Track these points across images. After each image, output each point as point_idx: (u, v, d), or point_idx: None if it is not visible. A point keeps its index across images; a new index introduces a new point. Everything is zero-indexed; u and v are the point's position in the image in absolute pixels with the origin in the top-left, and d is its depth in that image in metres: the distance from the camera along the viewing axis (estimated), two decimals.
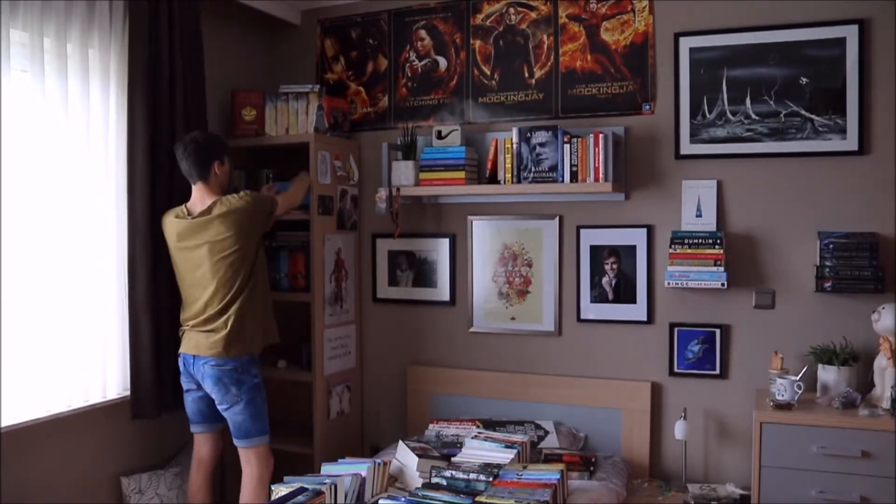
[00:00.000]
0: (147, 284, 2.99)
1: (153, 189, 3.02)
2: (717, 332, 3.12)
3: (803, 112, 2.98)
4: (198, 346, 2.89)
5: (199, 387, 2.95)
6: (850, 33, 2.89)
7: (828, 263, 2.85)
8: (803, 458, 2.60)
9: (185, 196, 3.06)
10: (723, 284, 2.98)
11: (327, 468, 2.85)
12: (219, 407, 2.92)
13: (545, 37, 3.38)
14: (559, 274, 3.38)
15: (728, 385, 3.12)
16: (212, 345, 2.86)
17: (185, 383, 2.99)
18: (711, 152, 3.11)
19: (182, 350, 2.96)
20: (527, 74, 3.42)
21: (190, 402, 3.01)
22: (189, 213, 2.91)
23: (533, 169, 3.18)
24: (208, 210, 2.87)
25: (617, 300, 3.28)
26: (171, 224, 2.93)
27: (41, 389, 2.75)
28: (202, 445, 3.06)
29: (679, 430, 3.05)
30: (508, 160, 3.24)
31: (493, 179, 3.33)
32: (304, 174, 3.36)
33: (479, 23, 3.51)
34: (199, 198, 2.93)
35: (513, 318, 3.48)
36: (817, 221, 2.97)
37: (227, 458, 3.64)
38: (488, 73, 3.49)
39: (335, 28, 3.82)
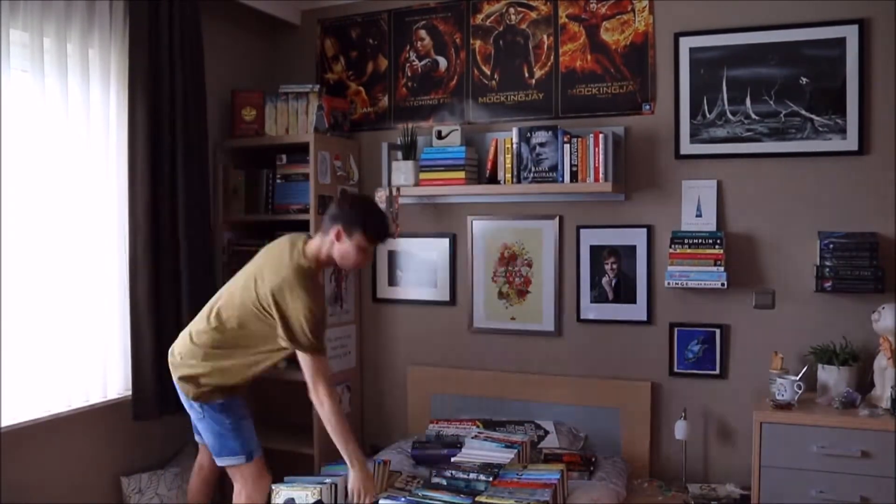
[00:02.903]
0: (148, 284, 2.99)
1: (154, 189, 3.02)
2: (717, 332, 3.12)
3: (803, 112, 2.98)
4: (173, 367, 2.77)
5: None
6: (850, 33, 2.89)
7: (828, 263, 2.85)
8: (803, 458, 2.60)
9: (186, 196, 3.06)
10: (723, 284, 2.98)
11: (327, 468, 2.85)
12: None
13: (545, 37, 3.38)
14: (559, 274, 3.38)
15: (728, 385, 3.12)
16: (176, 370, 2.73)
17: None
18: (711, 152, 3.11)
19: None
20: (527, 74, 3.42)
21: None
22: (303, 255, 2.64)
23: (533, 169, 3.18)
24: (287, 263, 2.58)
25: (617, 300, 3.28)
26: (277, 246, 2.75)
27: (41, 389, 2.75)
28: (203, 451, 2.99)
29: (679, 430, 3.05)
30: (508, 160, 3.24)
31: (493, 179, 3.33)
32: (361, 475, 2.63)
33: (479, 23, 3.51)
34: (306, 245, 2.67)
35: (513, 318, 3.48)
36: (817, 221, 2.97)
37: None
38: (488, 73, 3.49)
39: (335, 28, 3.82)
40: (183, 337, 2.76)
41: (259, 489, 2.71)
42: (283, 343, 2.59)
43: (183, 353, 2.71)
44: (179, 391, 2.72)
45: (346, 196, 2.71)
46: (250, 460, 2.69)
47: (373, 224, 2.64)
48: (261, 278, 2.62)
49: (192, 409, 2.71)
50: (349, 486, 2.58)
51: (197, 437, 2.94)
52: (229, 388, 2.68)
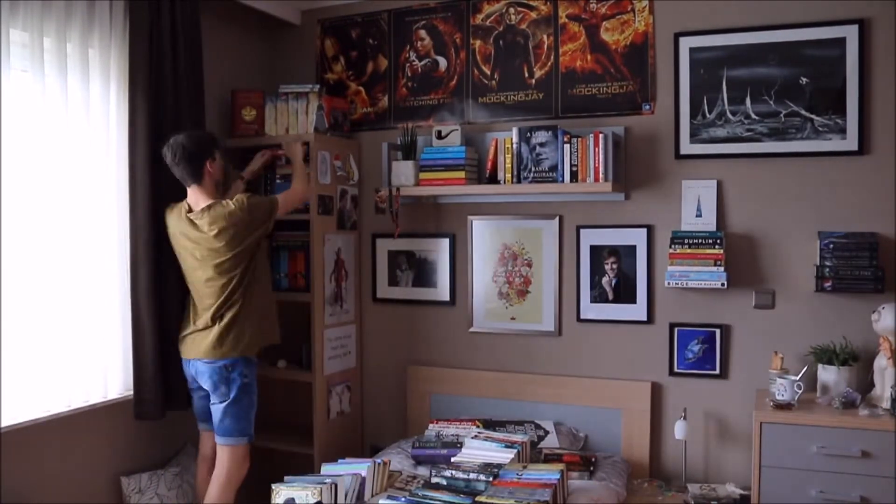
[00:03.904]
0: (149, 283, 2.99)
1: (154, 188, 3.02)
2: (717, 332, 3.12)
3: (803, 112, 2.98)
4: (193, 349, 2.94)
5: (201, 386, 2.97)
6: (850, 33, 2.89)
7: (828, 263, 2.85)
8: (803, 458, 2.60)
9: (186, 196, 3.06)
10: (723, 284, 2.98)
11: (327, 468, 2.85)
12: (211, 403, 2.95)
13: (545, 37, 3.38)
14: (559, 274, 3.38)
15: (728, 385, 3.12)
16: (204, 346, 2.90)
17: (191, 383, 3.03)
18: (711, 152, 3.11)
19: (182, 355, 3.01)
20: (527, 74, 3.42)
21: (195, 400, 3.07)
22: (190, 211, 2.92)
23: (533, 169, 3.18)
24: (201, 214, 2.86)
25: (617, 300, 3.28)
26: (174, 223, 2.94)
27: (41, 389, 2.75)
28: (206, 442, 3.09)
29: (679, 430, 3.05)
30: (508, 160, 3.24)
31: (493, 179, 3.33)
32: (296, 163, 3.24)
33: (479, 23, 3.51)
34: (195, 201, 2.92)
35: (513, 318, 3.48)
36: (817, 221, 2.97)
37: None
38: (488, 73, 3.49)
39: (335, 28, 3.82)
40: (203, 336, 2.93)
41: (242, 471, 2.99)
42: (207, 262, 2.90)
43: (221, 337, 2.90)
44: (214, 371, 2.89)
45: (178, 143, 2.85)
46: (250, 442, 3.00)
47: (213, 139, 3.00)
48: (211, 245, 2.86)
49: (218, 392, 2.89)
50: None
51: (202, 426, 3.07)
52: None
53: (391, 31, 3.69)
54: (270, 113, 3.56)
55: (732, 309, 3.10)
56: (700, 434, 3.15)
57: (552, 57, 3.37)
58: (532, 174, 3.19)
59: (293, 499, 2.60)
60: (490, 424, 3.26)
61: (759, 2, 3.02)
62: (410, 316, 3.70)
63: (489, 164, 3.34)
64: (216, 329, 2.88)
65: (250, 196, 2.95)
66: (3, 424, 2.57)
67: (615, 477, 2.94)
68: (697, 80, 3.11)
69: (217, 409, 2.92)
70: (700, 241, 3.02)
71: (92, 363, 2.94)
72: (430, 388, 3.60)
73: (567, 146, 3.11)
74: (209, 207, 2.86)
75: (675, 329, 3.18)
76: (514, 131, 3.22)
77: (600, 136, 3.06)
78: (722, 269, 2.98)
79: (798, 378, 2.72)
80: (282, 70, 3.92)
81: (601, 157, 3.06)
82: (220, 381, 2.90)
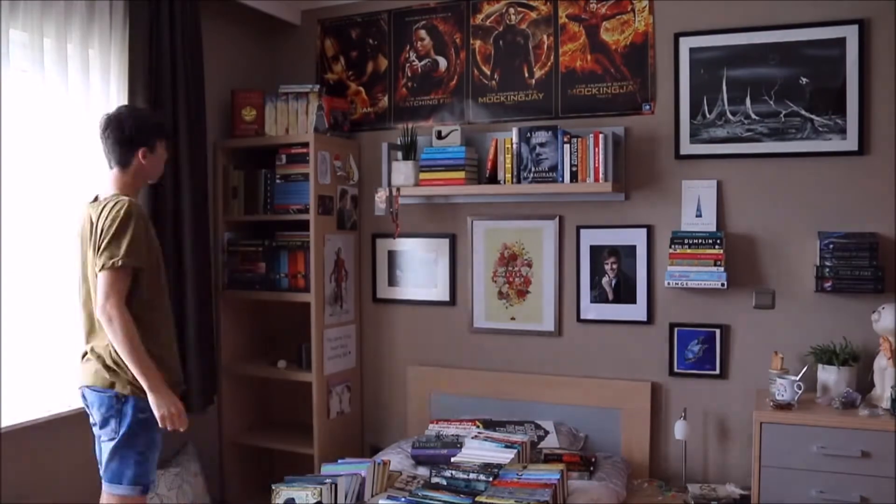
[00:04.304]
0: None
1: (154, 189, 3.02)
2: (717, 332, 3.12)
3: (803, 112, 2.98)
4: (82, 371, 2.43)
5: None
6: (850, 33, 2.89)
7: (828, 263, 2.85)
8: (803, 458, 2.60)
9: (186, 196, 3.06)
10: (723, 284, 2.98)
11: (327, 468, 2.85)
12: (99, 438, 2.41)
13: (545, 37, 3.38)
14: (559, 274, 3.38)
15: (728, 385, 3.12)
16: (91, 370, 2.39)
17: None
18: (711, 152, 3.11)
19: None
20: (527, 74, 3.42)
21: (97, 445, 2.46)
22: (95, 200, 2.45)
23: (533, 169, 3.18)
24: (101, 204, 2.37)
25: (617, 300, 3.28)
26: (82, 213, 2.45)
27: (41, 389, 2.75)
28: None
29: (679, 430, 3.05)
30: (508, 160, 3.24)
31: (493, 179, 3.33)
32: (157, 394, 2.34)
33: (479, 23, 3.51)
34: (106, 188, 2.45)
35: (513, 318, 3.48)
36: (817, 221, 2.97)
37: (225, 455, 3.65)
38: (488, 73, 3.49)
39: (335, 28, 3.82)
40: (89, 360, 2.41)
41: None
42: (95, 268, 2.30)
43: (101, 352, 2.36)
44: (99, 393, 2.35)
45: (117, 118, 2.41)
46: (144, 493, 2.39)
47: (166, 127, 2.59)
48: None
49: (107, 428, 2.35)
50: (156, 414, 2.31)
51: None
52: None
53: (391, 32, 3.69)
54: (270, 113, 3.56)
55: (732, 309, 3.10)
56: (700, 434, 3.15)
57: (552, 57, 3.37)
58: (532, 174, 3.19)
59: (293, 499, 2.60)
60: (490, 424, 3.26)
61: (759, 2, 3.02)
62: (410, 316, 3.70)
63: (489, 165, 3.34)
64: (100, 360, 2.36)
65: (130, 216, 2.30)
66: (3, 424, 2.57)
67: (615, 477, 2.94)
68: (697, 81, 3.11)
69: (105, 447, 2.36)
70: (700, 241, 3.02)
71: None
72: (430, 388, 3.60)
73: (567, 146, 3.11)
74: (109, 201, 2.35)
75: (675, 329, 3.18)
76: (514, 131, 3.22)
77: (600, 136, 3.06)
78: (722, 269, 2.98)
79: (798, 378, 2.72)
80: (282, 70, 3.92)
81: (601, 157, 3.06)
82: (111, 416, 2.34)
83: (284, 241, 3.58)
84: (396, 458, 3.15)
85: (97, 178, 2.94)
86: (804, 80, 2.97)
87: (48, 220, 2.77)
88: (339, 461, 2.92)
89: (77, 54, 2.85)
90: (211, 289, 3.39)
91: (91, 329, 2.41)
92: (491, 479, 2.61)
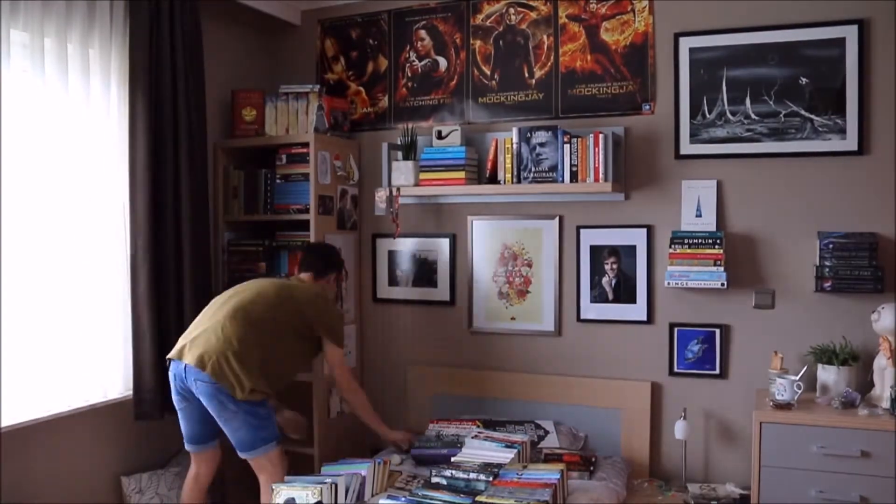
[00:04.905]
0: (148, 284, 2.99)
1: (154, 189, 3.03)
2: (717, 332, 3.12)
3: (803, 112, 2.98)
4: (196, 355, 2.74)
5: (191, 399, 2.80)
6: (850, 33, 2.90)
7: (827, 263, 2.85)
8: (803, 457, 2.60)
9: (186, 196, 3.06)
10: (723, 284, 2.98)
11: (327, 468, 2.85)
12: (218, 421, 2.76)
13: (545, 37, 3.38)
14: (559, 274, 3.38)
15: (728, 385, 3.12)
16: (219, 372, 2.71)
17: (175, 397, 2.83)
18: (711, 152, 3.11)
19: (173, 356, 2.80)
20: (527, 74, 3.42)
21: (185, 417, 2.85)
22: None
23: (533, 169, 3.18)
24: (303, 282, 3.10)
25: (617, 300, 3.28)
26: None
27: (41, 389, 2.75)
28: (200, 463, 2.93)
29: (679, 429, 3.05)
30: (508, 160, 3.24)
31: (493, 179, 3.33)
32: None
33: (479, 23, 3.51)
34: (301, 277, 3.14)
35: (513, 318, 3.48)
36: (817, 221, 2.97)
37: (225, 455, 3.65)
38: (488, 73, 3.49)
39: (335, 28, 3.82)
40: (218, 338, 2.73)
41: (283, 470, 2.84)
42: (326, 345, 3.04)
43: (227, 352, 2.70)
44: (220, 391, 2.67)
45: (319, 248, 3.26)
46: (280, 443, 2.86)
47: (344, 269, 3.37)
48: (292, 301, 2.95)
49: (226, 410, 2.70)
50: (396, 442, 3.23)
51: (192, 447, 2.89)
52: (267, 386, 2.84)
53: (391, 32, 3.69)
54: (270, 113, 3.56)
55: (732, 309, 3.10)
56: (700, 434, 3.15)
57: (552, 57, 3.37)
58: (532, 174, 3.19)
59: (293, 499, 2.60)
60: (490, 424, 3.26)
61: (758, 2, 3.02)
62: (410, 316, 3.70)
63: (489, 165, 3.34)
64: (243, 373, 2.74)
65: (336, 322, 3.07)
66: (3, 424, 2.57)
67: (615, 477, 2.94)
68: (697, 81, 3.11)
69: (230, 428, 2.75)
70: (700, 241, 3.02)
71: (92, 364, 2.94)
72: (430, 388, 3.60)
73: (567, 146, 3.11)
74: (307, 286, 3.08)
75: (675, 329, 3.19)
76: (514, 131, 3.22)
77: (600, 136, 3.06)
78: (722, 269, 2.98)
79: (798, 378, 2.72)
80: (282, 70, 3.92)
81: (601, 157, 3.07)
82: (226, 400, 2.70)
83: (284, 241, 3.58)
84: (397, 458, 3.15)
85: (97, 178, 2.95)
86: (804, 80, 2.97)
87: (48, 220, 2.77)
88: (339, 461, 2.92)
89: (77, 54, 2.85)
90: (211, 289, 3.39)
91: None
92: (491, 478, 2.61)
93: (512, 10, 3.44)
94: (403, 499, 2.52)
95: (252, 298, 2.86)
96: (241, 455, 2.79)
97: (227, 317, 2.77)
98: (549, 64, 3.38)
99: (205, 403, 2.73)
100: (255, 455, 2.78)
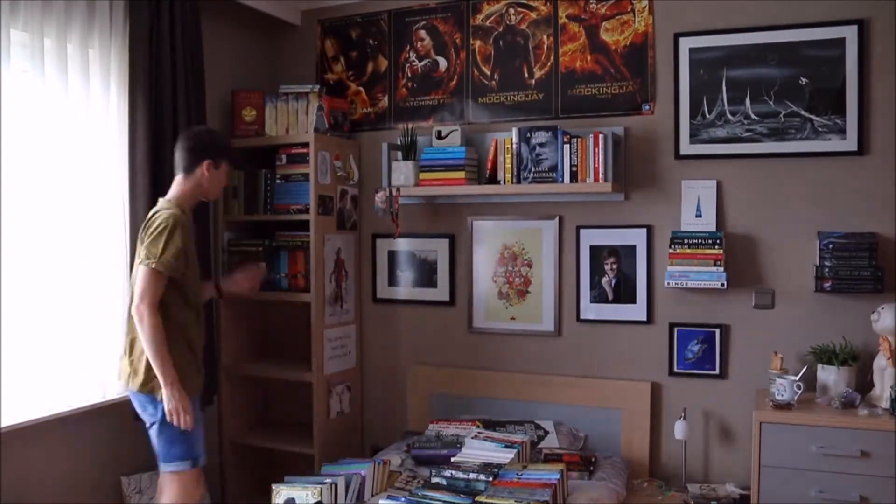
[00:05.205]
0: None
1: (154, 189, 3.02)
2: (717, 332, 3.12)
3: (803, 112, 2.98)
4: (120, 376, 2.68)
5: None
6: (850, 33, 2.90)
7: (827, 263, 2.85)
8: (803, 457, 2.60)
9: None
10: (722, 284, 2.98)
11: (327, 468, 2.85)
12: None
13: (545, 37, 3.38)
14: (559, 274, 3.38)
15: (728, 385, 3.12)
16: (122, 371, 2.66)
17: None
18: (711, 152, 3.11)
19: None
20: (527, 74, 3.42)
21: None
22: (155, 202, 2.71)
23: (533, 169, 3.18)
24: (151, 215, 2.62)
25: (617, 300, 3.28)
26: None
27: (41, 389, 2.75)
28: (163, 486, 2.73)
29: (679, 430, 3.05)
30: (508, 160, 3.24)
31: (493, 179, 3.33)
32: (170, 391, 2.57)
33: (479, 23, 3.51)
34: (168, 193, 2.70)
35: (513, 318, 3.48)
36: (817, 221, 2.97)
37: (225, 455, 3.65)
38: (488, 73, 3.49)
39: (335, 28, 3.83)
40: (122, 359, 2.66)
41: (193, 498, 2.65)
42: (137, 262, 2.54)
43: (127, 354, 2.62)
44: (136, 396, 2.61)
45: (195, 131, 2.74)
46: (194, 467, 2.63)
47: (227, 148, 2.82)
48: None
49: (146, 413, 2.60)
50: (166, 408, 2.54)
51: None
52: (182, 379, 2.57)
53: (391, 32, 3.69)
54: (271, 113, 3.56)
55: (732, 309, 3.11)
56: (700, 434, 3.15)
57: (552, 57, 3.37)
58: (532, 174, 3.19)
59: (293, 499, 2.60)
60: (490, 424, 3.26)
61: (758, 2, 3.02)
62: (410, 316, 3.70)
63: (489, 165, 3.34)
64: (127, 357, 2.63)
65: (174, 227, 2.53)
66: (3, 424, 2.57)
67: (615, 477, 2.94)
68: (697, 81, 3.11)
69: (152, 432, 2.62)
70: (700, 241, 3.02)
71: (92, 364, 2.93)
72: (430, 388, 3.60)
73: (567, 146, 3.11)
74: (163, 210, 2.60)
75: (675, 329, 3.19)
76: (514, 131, 3.22)
77: (600, 136, 3.07)
78: (721, 269, 2.98)
79: (797, 378, 2.72)
80: (282, 70, 3.92)
81: (601, 157, 3.07)
82: (147, 402, 2.59)
83: (284, 241, 3.58)
84: (396, 458, 3.15)
85: (97, 178, 2.95)
86: (804, 80, 2.97)
87: (48, 220, 2.77)
88: (339, 461, 2.92)
89: (77, 54, 2.85)
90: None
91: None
92: (491, 479, 2.61)
93: (512, 11, 3.44)
94: (403, 499, 2.52)
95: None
96: (160, 467, 2.66)
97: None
98: (549, 64, 3.38)
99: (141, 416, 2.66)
100: (167, 469, 2.63)
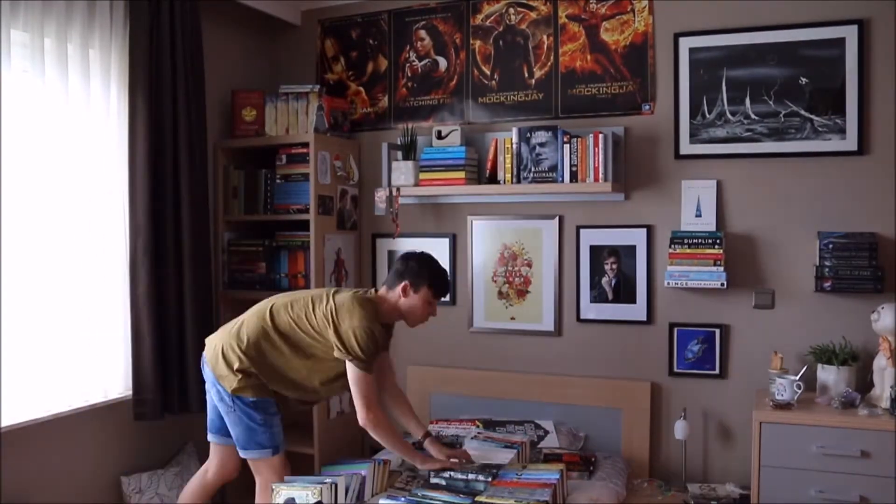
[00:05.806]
0: (148, 284, 2.99)
1: (154, 189, 3.03)
2: (717, 332, 3.12)
3: (803, 112, 2.98)
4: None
5: None
6: (850, 33, 2.90)
7: (827, 263, 2.85)
8: (803, 457, 2.60)
9: (186, 196, 3.06)
10: (722, 284, 2.98)
11: (327, 468, 2.85)
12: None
13: (545, 37, 3.38)
14: (559, 274, 3.38)
15: (728, 385, 3.12)
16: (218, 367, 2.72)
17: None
18: (711, 152, 3.11)
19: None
20: (527, 74, 3.42)
21: (208, 406, 2.84)
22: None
23: (533, 169, 3.18)
24: (340, 296, 2.70)
25: (617, 300, 3.28)
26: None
27: (41, 389, 2.75)
28: (214, 459, 2.89)
29: (679, 429, 3.05)
30: (508, 160, 3.24)
31: (493, 179, 3.33)
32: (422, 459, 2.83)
33: (479, 23, 3.51)
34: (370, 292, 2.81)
35: (513, 318, 3.48)
36: (817, 221, 2.97)
37: None
38: (488, 73, 3.49)
39: (335, 28, 3.83)
40: (229, 331, 2.75)
41: (280, 478, 2.74)
42: (337, 354, 2.65)
43: (227, 345, 2.71)
44: (216, 383, 2.69)
45: (412, 254, 2.84)
46: (276, 454, 2.75)
47: (438, 281, 2.83)
48: (329, 307, 2.68)
49: (223, 403, 2.70)
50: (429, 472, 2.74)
51: (210, 436, 2.85)
52: (268, 390, 2.72)
53: (391, 32, 3.69)
54: (270, 113, 3.56)
55: (732, 309, 3.11)
56: (700, 434, 3.15)
57: (552, 57, 3.37)
58: (532, 174, 3.19)
59: (293, 499, 2.60)
60: (490, 424, 3.26)
61: (758, 2, 3.02)
62: None
63: (489, 165, 3.34)
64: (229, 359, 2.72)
65: (369, 329, 2.62)
66: (3, 424, 2.57)
67: (615, 477, 2.94)
68: (697, 81, 3.11)
69: (229, 419, 2.73)
70: (700, 241, 3.02)
71: (92, 364, 2.94)
72: (430, 388, 3.60)
73: (567, 146, 3.11)
74: (346, 300, 2.66)
75: (675, 329, 3.19)
76: (514, 131, 3.22)
77: (600, 136, 3.07)
78: (721, 269, 2.98)
79: (797, 378, 2.72)
80: (282, 70, 3.92)
81: (601, 157, 3.07)
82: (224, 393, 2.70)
83: (284, 241, 3.58)
84: (396, 458, 3.14)
85: (96, 178, 2.95)
86: (804, 80, 2.97)
87: (48, 220, 2.77)
88: (339, 461, 2.92)
89: (77, 54, 2.85)
90: (211, 289, 3.39)
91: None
92: (490, 479, 2.61)
93: (512, 10, 3.44)
94: (403, 499, 2.52)
95: (292, 300, 2.76)
96: (239, 453, 2.78)
97: (254, 312, 2.77)
98: (549, 64, 3.38)
99: (208, 390, 2.77)
100: (249, 456, 2.75)
